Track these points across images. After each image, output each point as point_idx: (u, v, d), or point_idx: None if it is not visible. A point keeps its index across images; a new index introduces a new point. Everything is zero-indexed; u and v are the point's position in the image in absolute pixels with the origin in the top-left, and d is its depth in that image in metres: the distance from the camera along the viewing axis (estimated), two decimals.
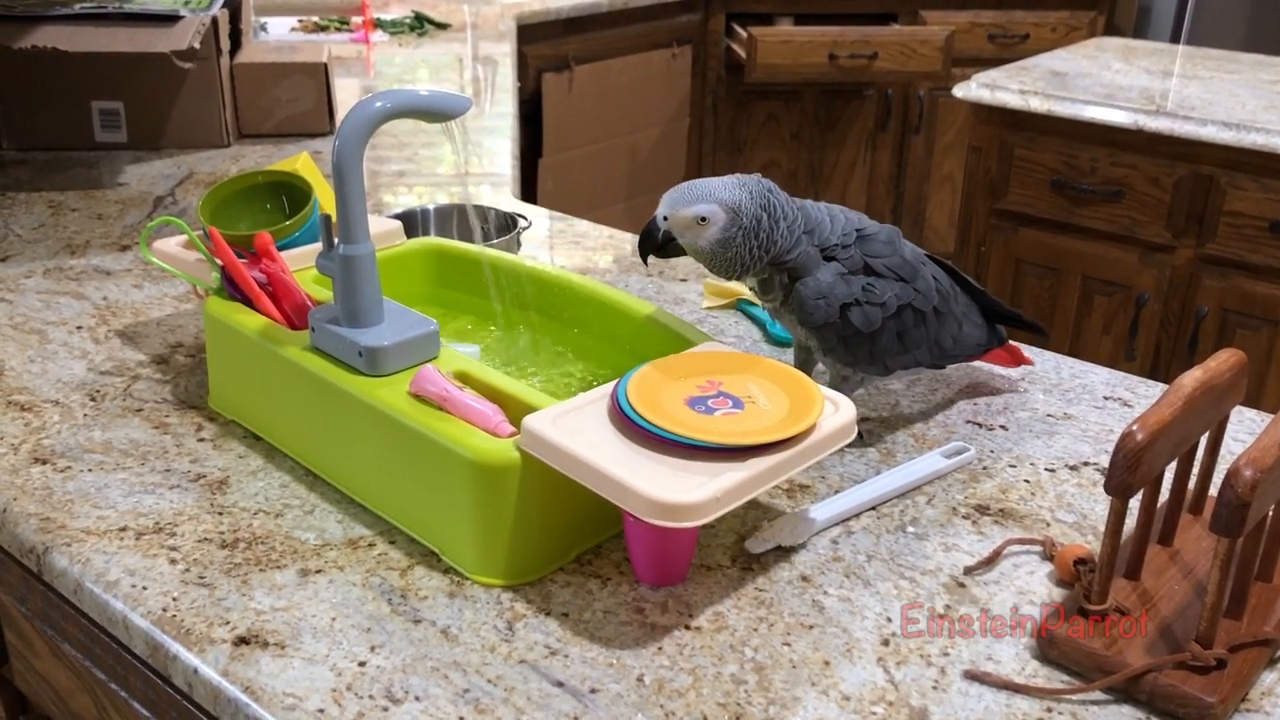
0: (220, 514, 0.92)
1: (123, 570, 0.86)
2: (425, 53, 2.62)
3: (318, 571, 0.86)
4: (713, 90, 3.62)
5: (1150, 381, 1.16)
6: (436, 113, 0.93)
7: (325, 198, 1.22)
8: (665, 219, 0.94)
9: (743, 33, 3.38)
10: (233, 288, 1.04)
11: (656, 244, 0.96)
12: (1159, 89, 2.37)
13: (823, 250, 0.96)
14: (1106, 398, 1.12)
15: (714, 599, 0.83)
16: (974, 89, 2.41)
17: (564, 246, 1.50)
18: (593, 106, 3.26)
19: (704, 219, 0.92)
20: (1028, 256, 2.44)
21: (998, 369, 1.16)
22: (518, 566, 0.84)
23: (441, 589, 0.84)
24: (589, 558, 0.87)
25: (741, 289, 1.30)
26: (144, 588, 0.84)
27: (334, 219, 0.94)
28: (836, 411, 0.85)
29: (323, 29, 2.71)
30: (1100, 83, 2.41)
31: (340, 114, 2.01)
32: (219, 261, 1.04)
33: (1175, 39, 3.61)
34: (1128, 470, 0.73)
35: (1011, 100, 2.35)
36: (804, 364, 1.06)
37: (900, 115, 3.68)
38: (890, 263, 0.98)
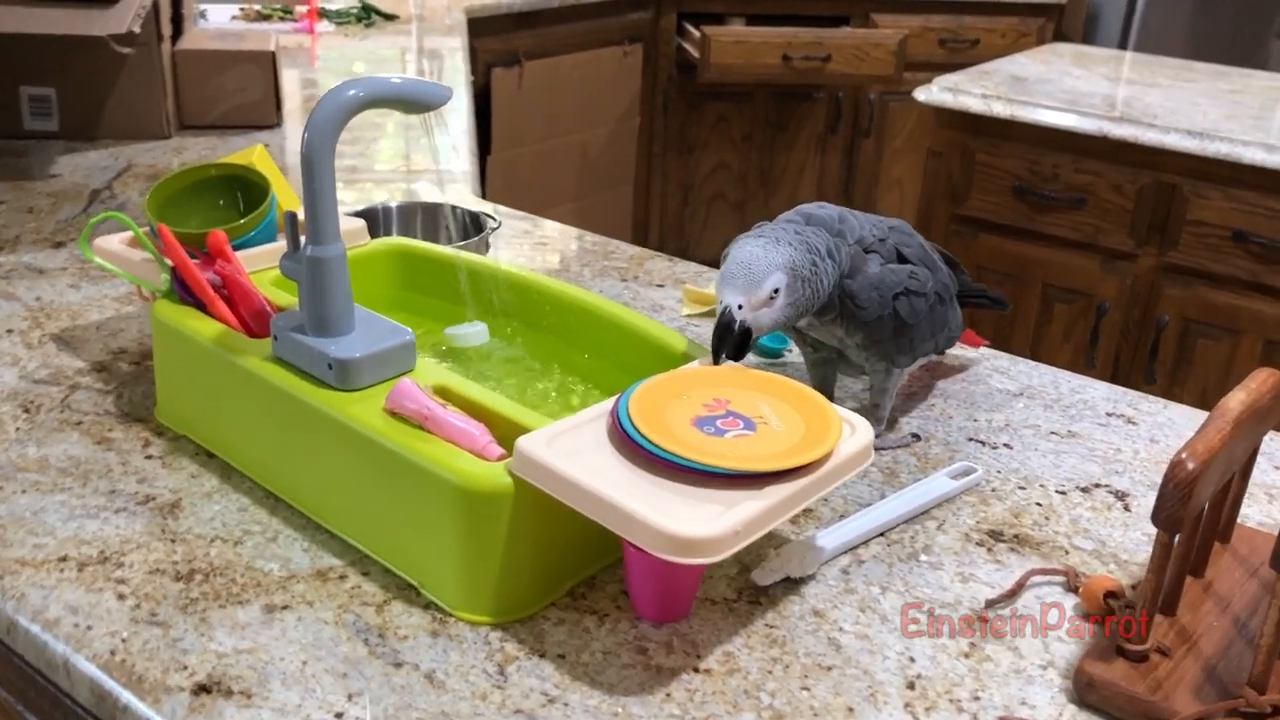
0: (173, 541, 0.84)
1: (64, 607, 0.77)
2: (371, 44, 2.52)
3: (284, 607, 0.77)
4: (663, 90, 3.56)
5: (1151, 398, 1.12)
6: (414, 102, 0.85)
7: (282, 193, 1.13)
8: (741, 307, 0.84)
9: (695, 32, 3.32)
10: (184, 290, 0.95)
11: (739, 339, 0.85)
12: (1120, 96, 2.36)
13: (862, 246, 0.92)
14: (1109, 414, 1.08)
15: (722, 637, 0.77)
16: (935, 93, 2.37)
17: (529, 248, 1.42)
18: (543, 103, 3.18)
19: (777, 291, 0.85)
20: (988, 263, 2.41)
21: (968, 351, 1.17)
22: (507, 602, 0.77)
23: (423, 627, 0.76)
24: (582, 591, 0.80)
25: None
26: (88, 627, 0.75)
27: (300, 217, 0.86)
28: (853, 434, 0.79)
29: (265, 18, 2.60)
30: (1061, 88, 2.39)
31: (288, 105, 1.92)
32: (169, 262, 0.96)
33: (1123, 45, 3.63)
34: (1179, 502, 0.68)
35: (974, 104, 2.31)
36: (823, 380, 1.01)
37: (850, 118, 3.66)
38: (917, 252, 0.95)
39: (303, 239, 0.85)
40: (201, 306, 0.95)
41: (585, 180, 3.40)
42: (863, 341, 0.93)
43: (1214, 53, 3.26)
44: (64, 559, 0.81)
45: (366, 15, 2.66)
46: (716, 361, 0.85)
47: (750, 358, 1.15)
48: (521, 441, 0.74)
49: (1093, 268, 2.28)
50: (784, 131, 3.66)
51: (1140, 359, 2.28)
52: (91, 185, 1.54)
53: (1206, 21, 3.54)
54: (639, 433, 0.74)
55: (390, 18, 2.72)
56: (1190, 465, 0.68)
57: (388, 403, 0.81)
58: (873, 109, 3.63)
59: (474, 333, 1.03)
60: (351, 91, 0.81)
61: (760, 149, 3.67)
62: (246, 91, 1.80)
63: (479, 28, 2.93)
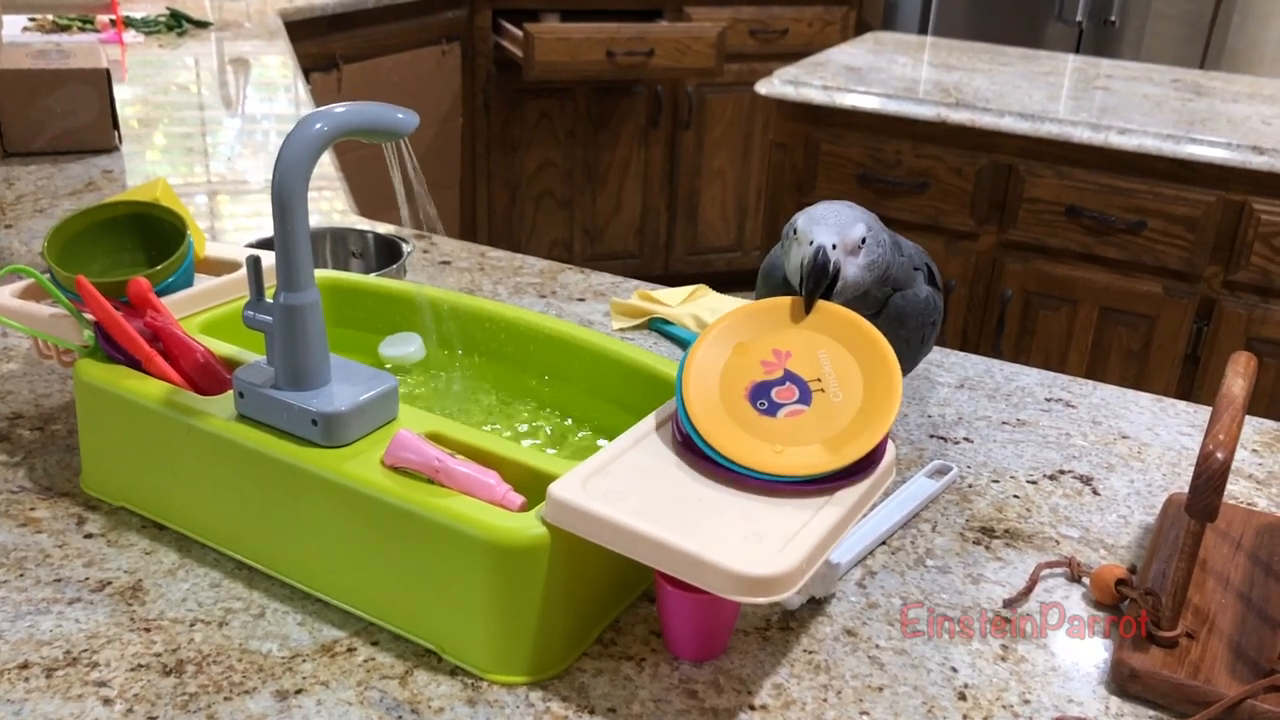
0: (147, 630, 0.75)
1: None
2: (186, 53, 2.36)
3: (299, 691, 0.71)
4: (484, 89, 3.49)
5: (1079, 380, 1.16)
6: (381, 131, 0.79)
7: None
8: (835, 247, 0.82)
9: (516, 30, 3.27)
10: (112, 347, 0.86)
11: (831, 280, 0.82)
12: (949, 81, 2.45)
13: (911, 263, 0.94)
14: (1048, 399, 1.11)
15: (766, 669, 0.75)
16: (777, 85, 2.41)
17: (432, 269, 1.36)
18: None
19: (864, 240, 0.84)
20: None
21: None
22: (543, 659, 0.73)
23: (456, 695, 0.71)
24: (610, 636, 0.77)
25: (654, 308, 1.21)
26: None
27: (261, 261, 0.78)
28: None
29: (63, 28, 2.39)
30: (894, 76, 2.46)
31: (125, 126, 1.77)
32: (89, 316, 0.86)
33: (923, 30, 3.79)
34: (1213, 492, 0.70)
35: (816, 96, 2.36)
36: None
37: (670, 111, 3.68)
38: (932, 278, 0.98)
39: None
40: (135, 363, 0.86)
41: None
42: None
43: (998, 35, 3.44)
44: (25, 666, 0.72)
45: (177, 23, 2.49)
46: (810, 305, 0.80)
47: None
48: (555, 489, 0.70)
49: (937, 248, 2.37)
50: (606, 127, 3.65)
51: (987, 333, 2.39)
52: None
53: (989, 5, 3.74)
54: (690, 422, 0.74)
55: (202, 25, 2.56)
56: (1220, 456, 0.70)
57: (387, 457, 0.75)
58: (691, 101, 3.66)
59: (412, 350, 0.98)
60: (318, 125, 0.75)
61: (584, 145, 3.65)
62: (77, 114, 1.65)
63: (294, 32, 2.79)
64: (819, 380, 0.76)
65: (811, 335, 0.79)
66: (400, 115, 0.79)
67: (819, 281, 0.82)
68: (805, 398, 0.76)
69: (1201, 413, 1.11)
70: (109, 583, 0.79)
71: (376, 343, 1.00)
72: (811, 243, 0.82)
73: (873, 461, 0.75)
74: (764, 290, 0.97)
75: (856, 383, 0.76)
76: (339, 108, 0.77)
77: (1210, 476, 0.70)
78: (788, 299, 0.82)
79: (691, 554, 0.65)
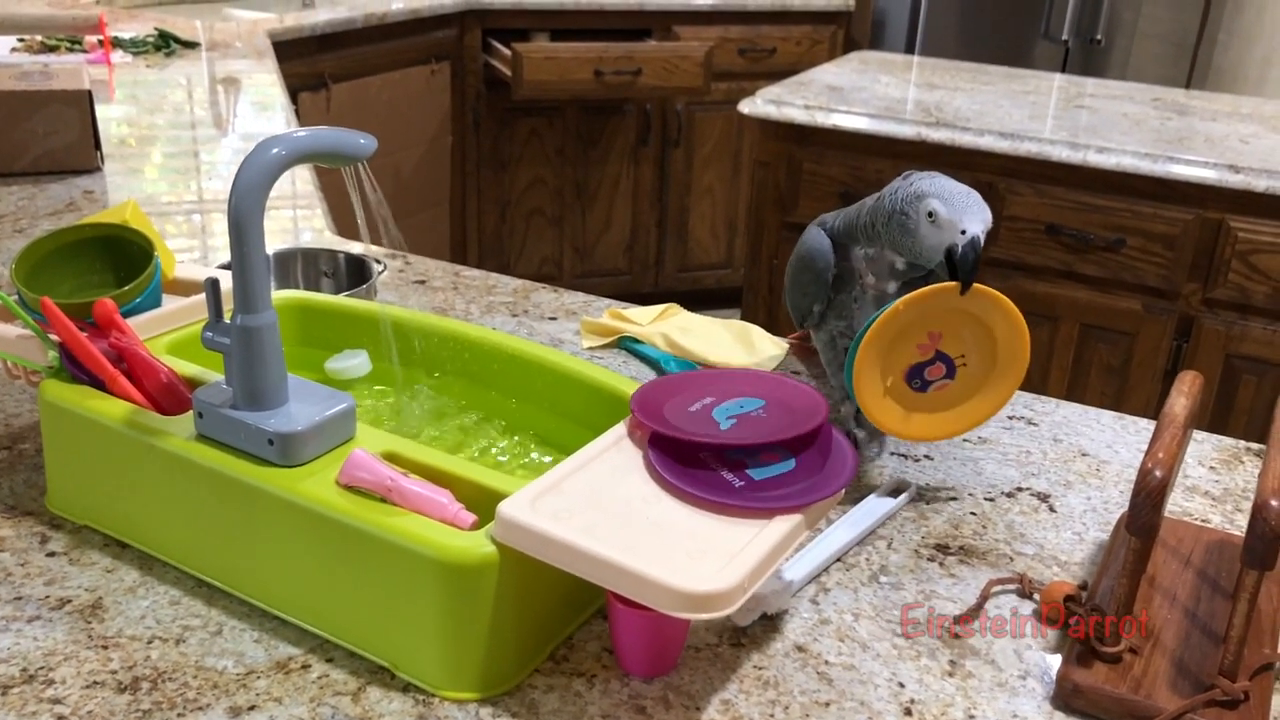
0: (105, 647, 0.76)
1: None
2: (175, 73, 2.38)
3: (251, 708, 0.72)
4: (473, 107, 3.51)
5: (1043, 398, 1.17)
6: (339, 155, 0.81)
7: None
8: (982, 234, 0.90)
9: (504, 50, 3.29)
10: (76, 367, 0.87)
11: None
12: (930, 101, 2.47)
13: None
14: (1011, 417, 1.13)
15: (715, 685, 0.76)
16: (760, 105, 2.43)
17: (406, 288, 1.37)
18: (352, 126, 3.06)
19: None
20: None
21: None
22: (493, 676, 0.74)
23: (408, 712, 0.72)
24: (563, 653, 0.78)
25: (624, 326, 1.23)
26: None
27: (219, 283, 0.80)
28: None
29: (51, 49, 2.41)
30: (875, 95, 2.48)
31: (112, 146, 1.79)
32: (54, 337, 0.87)
33: (910, 49, 3.82)
34: (1152, 509, 0.71)
35: (798, 115, 2.38)
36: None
37: (660, 130, 3.70)
38: None
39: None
40: (99, 384, 0.87)
41: (400, 202, 3.32)
42: None
43: (986, 53, 3.47)
44: None
45: (165, 44, 2.51)
46: (966, 289, 0.90)
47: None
48: (504, 507, 0.71)
49: None
50: (596, 145, 3.67)
51: None
52: None
53: (977, 23, 3.77)
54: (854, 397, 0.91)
55: (191, 45, 2.58)
56: (1158, 474, 0.71)
57: (341, 476, 0.76)
58: (680, 119, 3.69)
59: (356, 364, 1.00)
60: (275, 150, 0.76)
61: (574, 163, 3.67)
62: (60, 134, 1.67)
63: (282, 52, 2.81)
64: (963, 356, 0.92)
65: (960, 314, 0.91)
66: (361, 140, 0.81)
67: (975, 269, 0.90)
68: (950, 373, 0.92)
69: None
70: (69, 600, 0.80)
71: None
72: (964, 231, 0.90)
73: (833, 479, 0.76)
74: (806, 278, 1.02)
75: (991, 355, 0.92)
76: (299, 132, 0.78)
77: (1149, 494, 0.71)
78: (951, 284, 0.90)
79: (635, 571, 0.66)
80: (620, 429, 0.81)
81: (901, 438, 0.95)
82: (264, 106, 2.23)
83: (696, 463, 0.77)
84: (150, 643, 0.77)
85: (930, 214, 0.91)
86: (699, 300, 3.70)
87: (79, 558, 0.85)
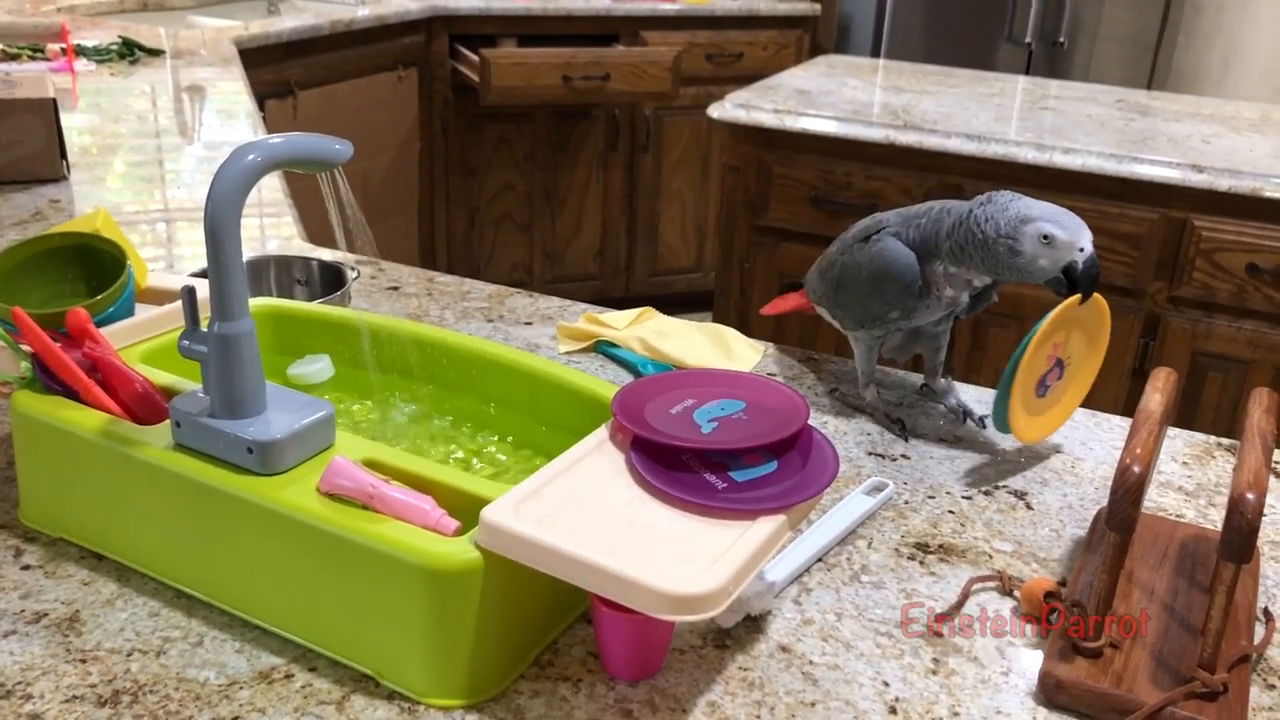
0: (83, 661, 0.75)
1: None
2: (139, 80, 2.36)
3: (235, 719, 0.71)
4: (441, 114, 3.51)
5: None
6: (314, 161, 0.80)
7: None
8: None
9: (472, 55, 3.28)
10: (50, 378, 0.86)
11: None
12: (898, 104, 2.49)
13: None
14: (984, 416, 1.13)
15: (700, 687, 0.76)
16: (729, 109, 2.43)
17: (379, 294, 1.36)
18: (319, 132, 3.06)
19: None
20: (791, 271, 2.49)
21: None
22: (479, 682, 0.73)
23: (393, 719, 0.72)
24: (548, 658, 0.78)
25: (600, 331, 1.23)
26: None
27: (195, 291, 0.79)
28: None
29: (13, 57, 2.39)
30: (843, 99, 2.50)
31: (77, 155, 1.77)
32: (26, 348, 0.86)
33: (875, 52, 3.84)
34: (1130, 504, 0.72)
35: (767, 119, 2.39)
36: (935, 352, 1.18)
37: (629, 134, 3.71)
38: None
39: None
40: (73, 394, 0.86)
41: (369, 208, 3.30)
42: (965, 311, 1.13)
43: (950, 56, 3.50)
44: None
45: (130, 51, 2.49)
46: (1085, 299, 0.99)
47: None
48: (487, 513, 0.71)
49: None
50: (565, 150, 3.67)
51: None
52: None
53: (942, 27, 3.80)
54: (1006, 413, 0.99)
55: (155, 53, 2.56)
56: (1136, 470, 0.72)
57: (322, 484, 0.75)
58: (649, 124, 3.69)
59: (319, 369, 1.00)
60: (251, 157, 0.76)
61: (543, 169, 3.67)
62: (24, 143, 1.65)
63: (249, 59, 2.80)
64: (1070, 358, 1.02)
65: (1073, 321, 1.01)
66: (336, 146, 0.81)
67: (1096, 280, 0.98)
68: (1060, 374, 1.01)
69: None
70: (46, 614, 0.79)
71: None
72: (1082, 249, 0.97)
73: (816, 479, 0.76)
74: (893, 289, 1.06)
75: (1083, 346, 1.03)
76: (274, 138, 0.78)
77: (1128, 490, 0.72)
78: (1073, 299, 0.99)
79: (620, 574, 0.66)
80: (602, 432, 0.81)
81: (1030, 442, 1.06)
82: (229, 114, 2.21)
83: (679, 465, 0.77)
84: (130, 655, 0.76)
85: (1045, 237, 0.97)
86: (670, 304, 3.70)
87: (55, 570, 0.84)
